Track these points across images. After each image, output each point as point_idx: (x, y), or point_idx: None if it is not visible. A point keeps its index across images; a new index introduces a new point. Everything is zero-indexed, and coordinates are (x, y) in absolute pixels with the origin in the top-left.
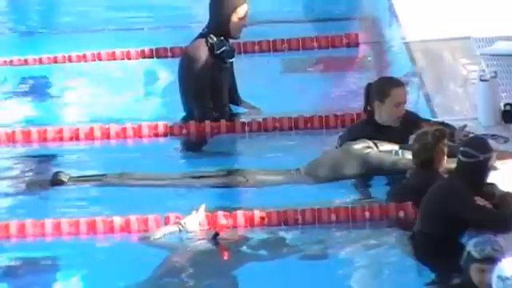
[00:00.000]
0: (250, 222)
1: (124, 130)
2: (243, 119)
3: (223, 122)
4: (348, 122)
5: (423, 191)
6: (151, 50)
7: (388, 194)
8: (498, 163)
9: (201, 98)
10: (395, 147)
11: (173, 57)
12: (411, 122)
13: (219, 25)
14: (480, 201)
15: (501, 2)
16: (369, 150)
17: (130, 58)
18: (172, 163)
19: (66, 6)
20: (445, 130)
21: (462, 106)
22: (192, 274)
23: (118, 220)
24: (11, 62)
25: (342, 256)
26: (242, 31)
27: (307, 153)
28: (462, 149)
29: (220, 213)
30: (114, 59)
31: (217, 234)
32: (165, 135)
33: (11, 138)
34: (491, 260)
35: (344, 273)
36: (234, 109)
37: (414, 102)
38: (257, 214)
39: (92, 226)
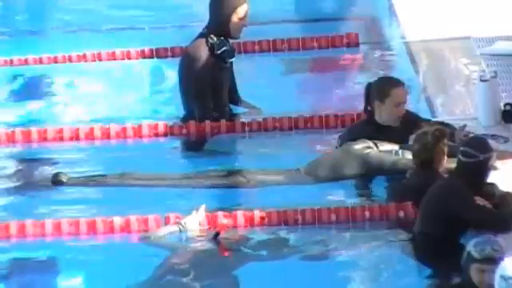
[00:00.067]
0: (250, 222)
1: (124, 129)
2: (243, 119)
3: (223, 121)
4: (348, 121)
5: (423, 191)
6: (151, 50)
7: (387, 191)
8: (498, 163)
9: (201, 97)
10: (395, 147)
11: (173, 57)
12: (411, 121)
13: (219, 25)
14: (480, 201)
15: (501, 2)
16: (369, 150)
17: (130, 58)
18: (172, 163)
19: (66, 6)
20: (445, 130)
21: (461, 106)
22: (192, 274)
23: (117, 220)
24: (11, 61)
25: (342, 256)
26: (242, 31)
27: (307, 153)
28: (462, 149)
29: (220, 213)
30: (114, 59)
31: (218, 234)
32: (165, 135)
33: (11, 138)
34: (491, 260)
35: (344, 273)
36: (234, 109)
37: (413, 101)
38: (257, 213)
39: (92, 226)
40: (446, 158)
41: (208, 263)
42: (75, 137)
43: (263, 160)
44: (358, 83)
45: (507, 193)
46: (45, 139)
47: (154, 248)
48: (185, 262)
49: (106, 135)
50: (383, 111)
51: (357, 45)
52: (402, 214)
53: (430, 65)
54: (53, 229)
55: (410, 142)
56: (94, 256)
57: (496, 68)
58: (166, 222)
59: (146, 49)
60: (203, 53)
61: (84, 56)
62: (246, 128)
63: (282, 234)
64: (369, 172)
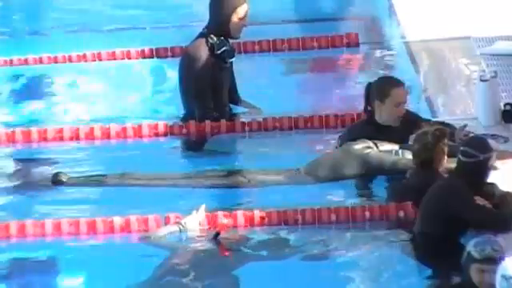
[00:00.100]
0: (250, 221)
1: (124, 129)
2: (243, 119)
3: (223, 121)
4: (348, 121)
5: (423, 191)
6: (151, 50)
7: (387, 191)
8: (498, 163)
9: (201, 97)
10: (395, 147)
11: (173, 56)
12: (411, 121)
13: (219, 25)
14: (480, 201)
15: (501, 2)
16: (369, 150)
17: (130, 58)
18: (172, 163)
19: (66, 6)
20: (445, 130)
21: (462, 106)
22: (192, 274)
23: (117, 220)
24: (11, 61)
25: (342, 256)
26: (242, 31)
27: (307, 153)
28: (462, 148)
29: (220, 213)
30: (114, 59)
31: (218, 234)
32: (165, 135)
33: (11, 138)
34: (491, 260)
35: (344, 273)
36: (234, 109)
37: (414, 101)
38: (257, 213)
39: (92, 226)
40: (446, 157)
41: (208, 263)
42: (75, 137)
43: (263, 160)
44: (358, 83)
45: (507, 193)
46: (45, 139)
47: (153, 248)
48: (185, 262)
49: (106, 135)
50: (383, 111)
51: (357, 45)
52: (402, 214)
53: (430, 65)
54: (53, 229)
55: (410, 142)
56: (93, 256)
57: (496, 68)
58: (166, 221)
59: (146, 49)
60: (203, 53)
61: (84, 56)
62: (246, 128)
63: (282, 233)
64: (369, 172)
